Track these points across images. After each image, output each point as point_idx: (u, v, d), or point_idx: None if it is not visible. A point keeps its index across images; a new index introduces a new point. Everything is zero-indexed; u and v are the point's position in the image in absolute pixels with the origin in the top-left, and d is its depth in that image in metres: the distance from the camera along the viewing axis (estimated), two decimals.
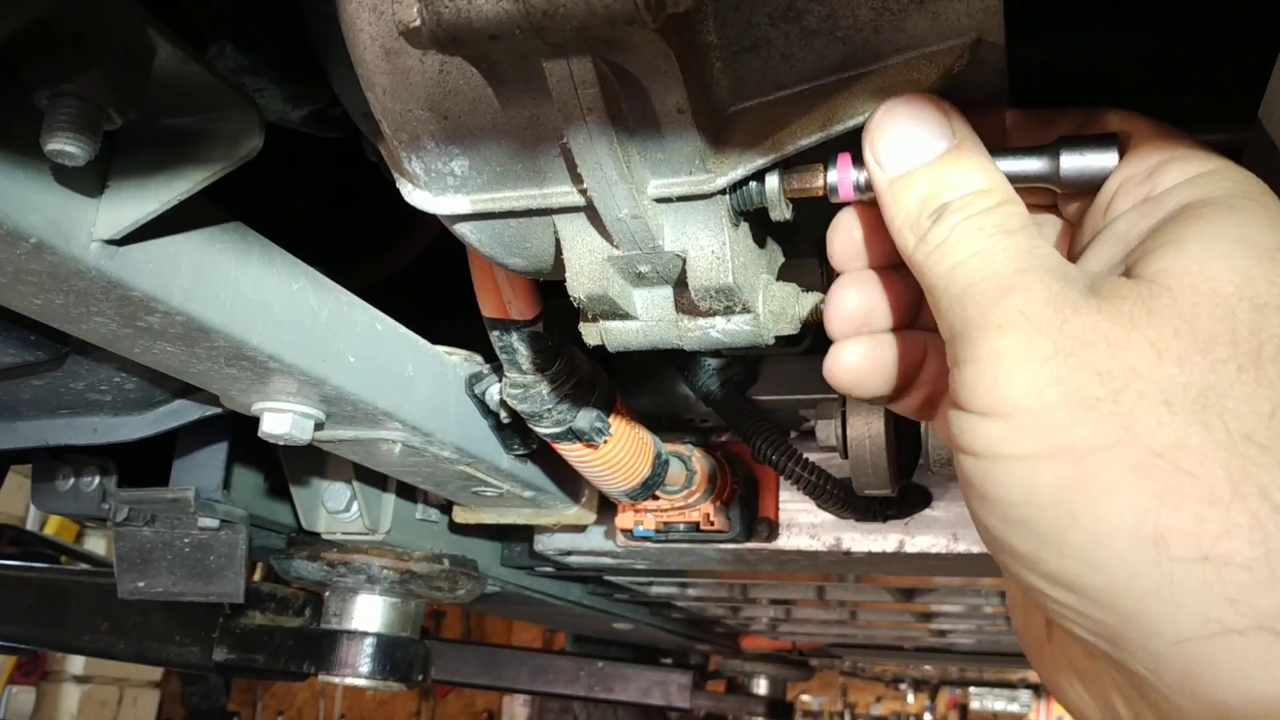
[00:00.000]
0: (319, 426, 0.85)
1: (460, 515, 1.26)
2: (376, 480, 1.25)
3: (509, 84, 0.49)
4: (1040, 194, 0.53)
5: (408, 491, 1.30)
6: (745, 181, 0.53)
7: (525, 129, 0.51)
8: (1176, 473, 0.37)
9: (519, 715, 7.77)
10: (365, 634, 1.34)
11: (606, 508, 1.25)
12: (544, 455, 1.06)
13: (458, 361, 0.95)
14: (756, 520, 1.23)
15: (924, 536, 1.20)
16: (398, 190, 0.58)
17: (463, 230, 0.58)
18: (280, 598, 1.38)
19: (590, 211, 0.54)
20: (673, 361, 1.07)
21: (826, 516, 1.22)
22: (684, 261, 0.55)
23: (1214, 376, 0.37)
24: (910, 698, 8.24)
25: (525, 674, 2.66)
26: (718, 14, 0.49)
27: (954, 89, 0.51)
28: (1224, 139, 0.63)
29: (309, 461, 1.22)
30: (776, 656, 3.34)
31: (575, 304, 0.58)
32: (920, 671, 5.93)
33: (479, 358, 0.96)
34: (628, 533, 1.20)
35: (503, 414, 0.94)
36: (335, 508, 1.25)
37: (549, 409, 0.87)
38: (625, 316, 0.60)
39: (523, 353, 0.84)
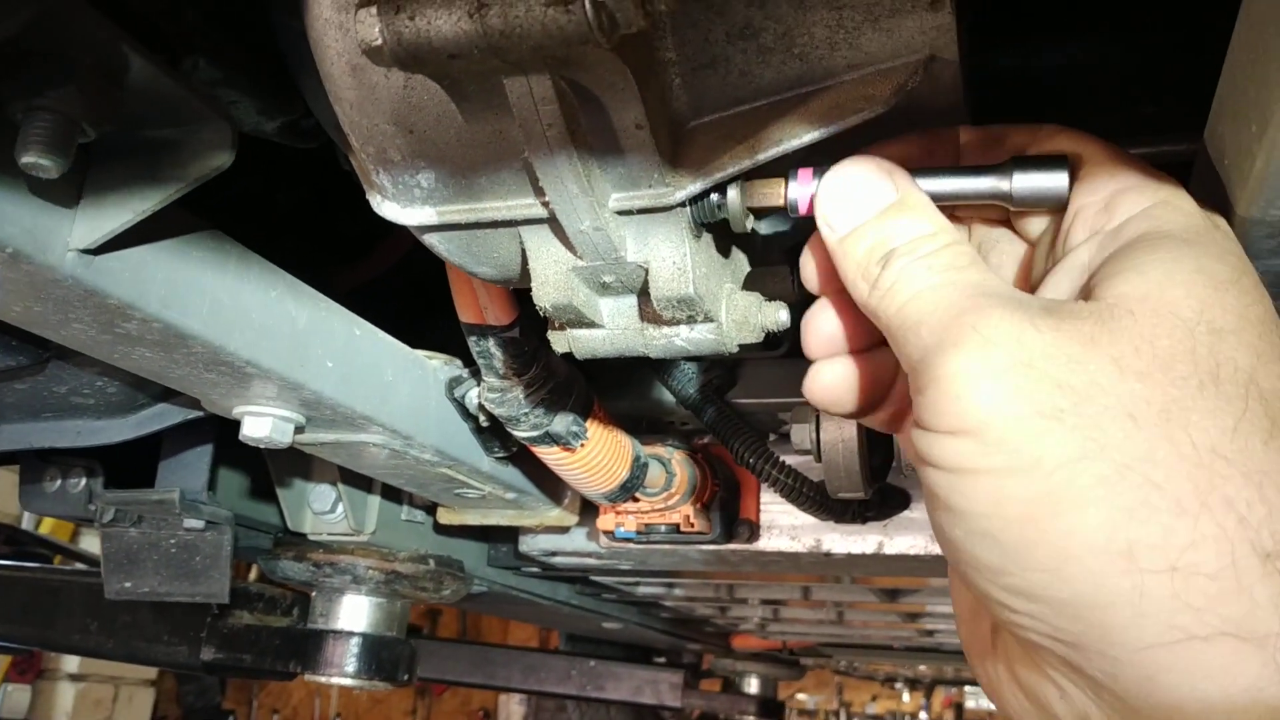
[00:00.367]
0: (299, 430, 0.86)
1: (444, 516, 1.27)
2: (362, 482, 1.26)
3: (471, 100, 0.50)
4: (995, 208, 0.54)
5: (393, 493, 1.31)
6: (706, 194, 0.54)
7: (489, 143, 0.52)
8: (1145, 485, 0.37)
9: (515, 714, 7.77)
10: (351, 634, 1.35)
11: (589, 510, 1.26)
12: (525, 458, 1.08)
13: (437, 366, 0.96)
14: (737, 522, 1.25)
15: (902, 538, 1.22)
16: None
17: (431, 240, 0.59)
18: (268, 598, 1.40)
19: (554, 223, 0.55)
20: (651, 366, 1.08)
21: (807, 518, 1.24)
22: (646, 272, 0.56)
23: (1176, 392, 0.38)
24: (906, 696, 8.26)
25: (518, 673, 2.67)
26: (676, 31, 0.50)
27: (910, 105, 0.52)
28: (1180, 149, 0.64)
29: (294, 463, 1.23)
30: (767, 656, 3.35)
31: (542, 313, 0.59)
32: (915, 670, 5.94)
33: (458, 362, 0.97)
34: (609, 534, 1.21)
35: (482, 418, 0.96)
36: (321, 509, 1.26)
37: (526, 413, 0.88)
38: (592, 325, 0.61)
39: (499, 358, 0.85)
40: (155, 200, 0.57)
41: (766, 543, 1.26)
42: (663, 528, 1.18)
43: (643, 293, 0.59)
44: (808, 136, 0.52)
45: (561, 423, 0.90)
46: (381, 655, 1.36)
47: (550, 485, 1.19)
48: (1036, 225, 0.52)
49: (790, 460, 1.09)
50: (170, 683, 5.61)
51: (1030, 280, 0.52)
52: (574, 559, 1.50)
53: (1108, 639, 0.38)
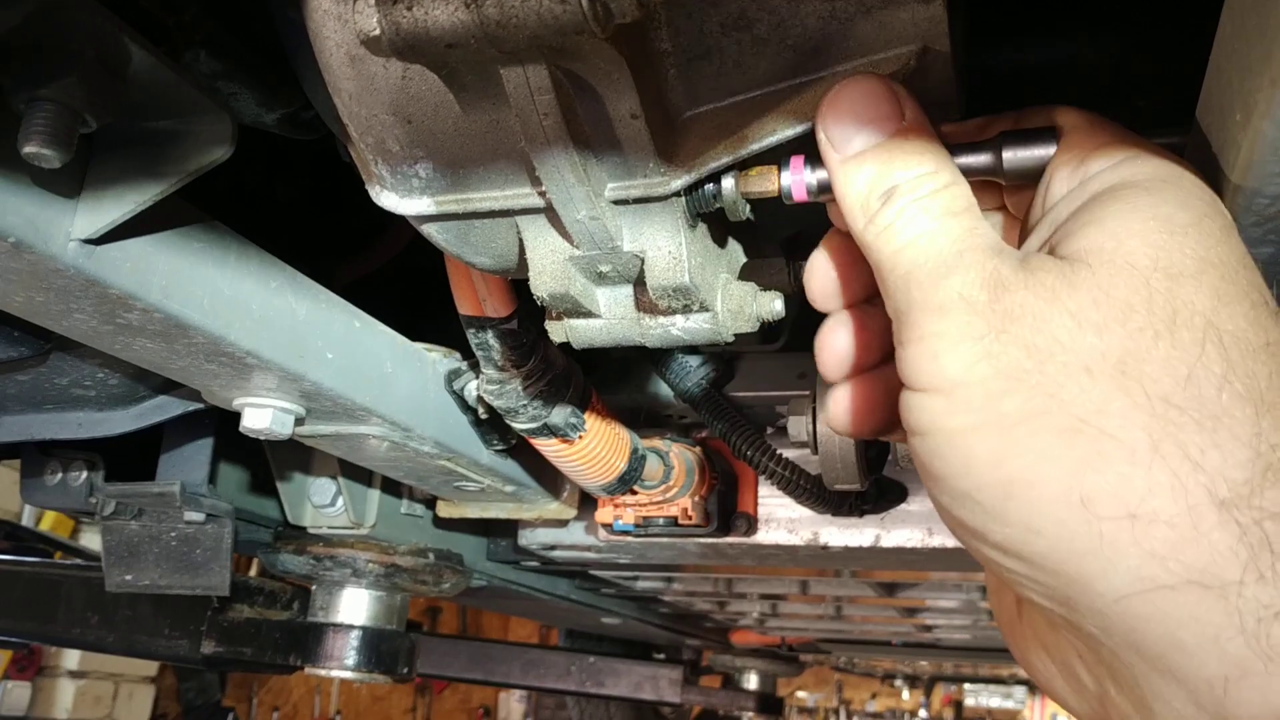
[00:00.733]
0: (299, 422, 0.86)
1: (444, 510, 1.28)
2: (361, 475, 1.27)
3: (469, 90, 0.50)
4: (988, 195, 0.55)
5: (393, 486, 1.32)
6: (701, 184, 0.55)
7: (486, 133, 0.53)
8: (1100, 436, 0.38)
9: (515, 711, 7.79)
10: (351, 627, 1.36)
11: (588, 503, 1.27)
12: (524, 450, 1.08)
13: (437, 358, 0.97)
14: (735, 515, 1.25)
15: (899, 531, 1.22)
16: None
17: (429, 230, 0.59)
18: (268, 591, 1.40)
19: (550, 213, 0.56)
20: (649, 359, 1.09)
21: (804, 511, 1.24)
22: (642, 261, 0.57)
23: (1131, 344, 0.39)
24: (905, 694, 8.27)
25: (517, 669, 2.67)
26: (670, 22, 0.51)
27: None
28: (1171, 141, 0.65)
29: (294, 456, 1.24)
30: (766, 652, 3.36)
31: (539, 302, 0.60)
32: (915, 668, 5.95)
33: (458, 354, 0.98)
34: (607, 526, 1.21)
35: (481, 410, 0.96)
36: (321, 502, 1.27)
37: (524, 405, 0.89)
38: (589, 314, 0.61)
39: (498, 350, 0.86)
40: (156, 191, 0.58)
41: (764, 536, 1.26)
42: (661, 520, 1.19)
43: (639, 282, 0.59)
44: (801, 127, 0.52)
45: (560, 415, 0.91)
46: (381, 648, 1.37)
47: (549, 478, 1.20)
48: (1024, 203, 0.53)
49: (787, 453, 1.10)
50: (170, 680, 5.62)
51: (1018, 241, 0.53)
52: (573, 552, 1.51)
53: (1089, 590, 0.39)
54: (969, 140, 0.54)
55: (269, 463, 1.25)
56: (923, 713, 8.18)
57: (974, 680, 7.65)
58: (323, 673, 1.36)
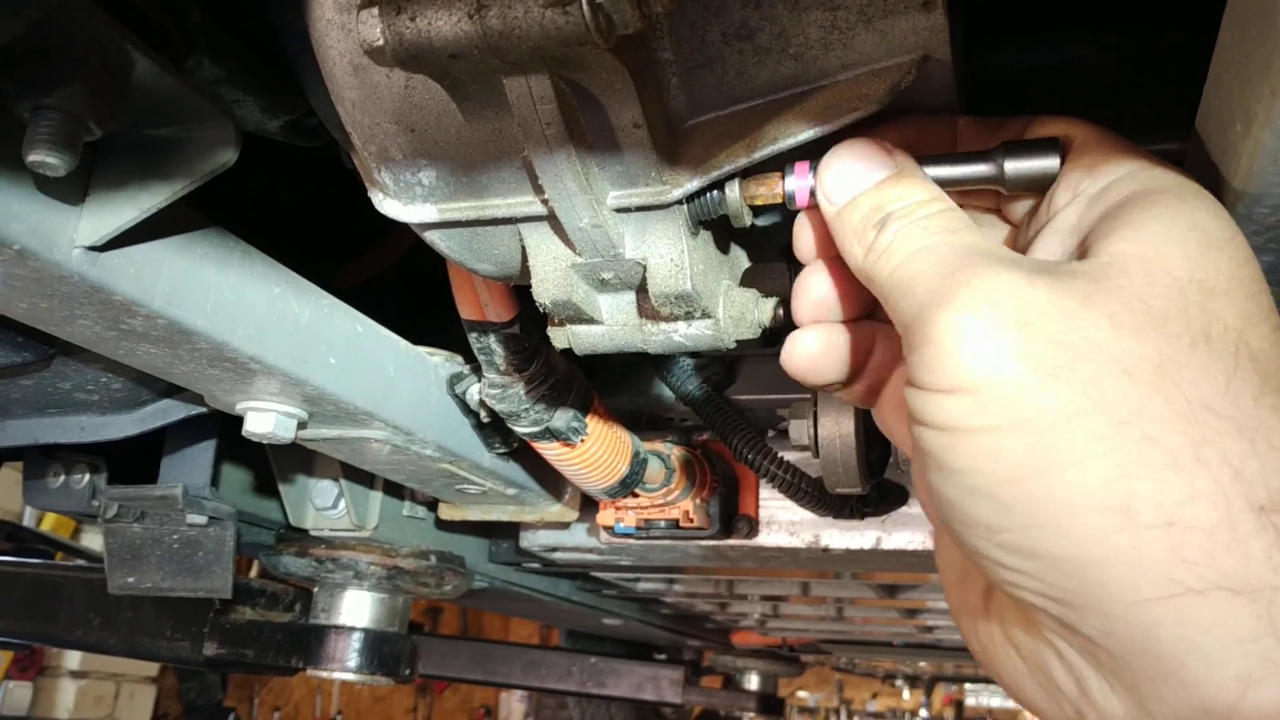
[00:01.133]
0: (302, 426, 0.87)
1: (445, 512, 1.28)
2: (364, 478, 1.27)
3: (472, 99, 0.51)
4: (985, 196, 0.55)
5: (395, 489, 1.32)
6: (704, 192, 0.55)
7: (489, 142, 0.53)
8: (1141, 440, 0.37)
9: (516, 712, 7.79)
10: (353, 629, 1.36)
11: (589, 505, 1.27)
12: (525, 454, 1.08)
13: (439, 362, 0.97)
14: (736, 517, 1.25)
15: (901, 533, 1.23)
16: None
17: (432, 237, 0.60)
18: (270, 593, 1.40)
19: (553, 220, 0.56)
20: (650, 362, 1.09)
21: (806, 514, 1.24)
22: (644, 269, 0.57)
23: (1170, 349, 0.39)
24: (906, 694, 8.27)
25: (519, 669, 2.67)
26: (672, 32, 0.51)
27: (904, 104, 0.53)
28: (1173, 148, 0.65)
29: (297, 459, 1.24)
30: (768, 652, 3.36)
31: (541, 309, 0.60)
32: (915, 667, 5.95)
33: (459, 358, 0.98)
34: (609, 529, 1.22)
35: (483, 413, 0.96)
36: (323, 505, 1.27)
37: (526, 409, 0.89)
38: (591, 321, 0.62)
39: (500, 354, 0.86)
40: (160, 198, 0.58)
41: (765, 538, 1.26)
42: (662, 523, 1.19)
43: (641, 289, 0.60)
44: (803, 135, 0.53)
45: (562, 418, 0.91)
46: (383, 650, 1.37)
47: (551, 481, 1.20)
48: (1022, 209, 0.53)
49: (788, 456, 1.10)
50: (172, 680, 5.62)
51: (1018, 248, 0.53)
52: (574, 555, 1.51)
53: (1103, 595, 0.38)
54: (975, 144, 0.54)
55: (271, 465, 1.25)
56: (923, 712, 8.19)
57: (974, 680, 7.65)
58: (324, 674, 1.36)
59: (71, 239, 0.58)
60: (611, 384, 1.16)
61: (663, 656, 3.54)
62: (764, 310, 0.62)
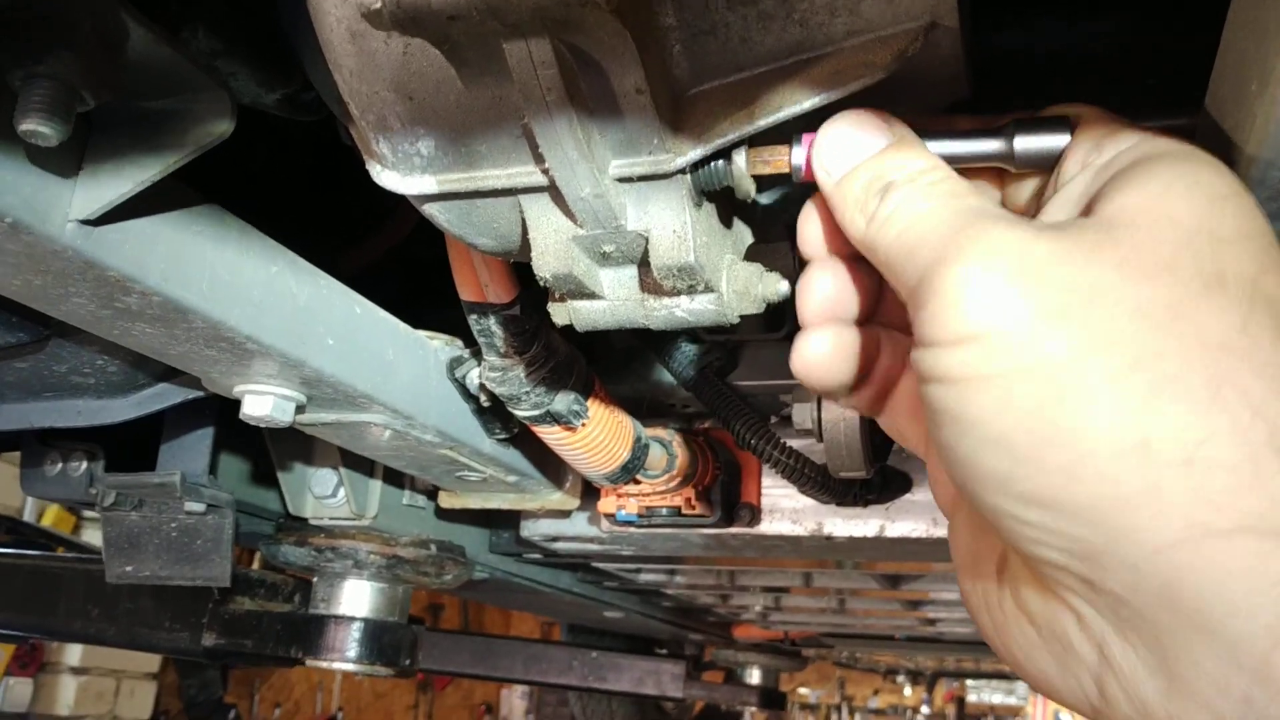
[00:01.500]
0: (300, 409, 0.86)
1: (445, 500, 1.27)
2: (363, 466, 1.26)
3: (471, 65, 0.50)
4: (988, 176, 0.54)
5: (394, 477, 1.31)
6: (708, 161, 0.54)
7: (488, 109, 0.52)
8: (1157, 378, 0.37)
9: (516, 708, 7.80)
10: (353, 619, 1.35)
11: (591, 494, 1.26)
12: (526, 440, 1.08)
13: (439, 345, 0.96)
14: (739, 505, 1.25)
15: (904, 521, 1.22)
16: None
17: (431, 210, 0.59)
18: (269, 583, 1.40)
19: (554, 191, 0.55)
20: (652, 347, 1.08)
21: (808, 501, 1.24)
22: (646, 241, 0.56)
23: (1182, 291, 0.38)
24: (907, 690, 8.28)
25: (519, 664, 2.67)
26: None
27: (910, 72, 0.52)
28: (1182, 123, 0.64)
29: (295, 447, 1.23)
30: (769, 646, 3.36)
31: (542, 283, 0.59)
32: (917, 664, 5.95)
33: (459, 342, 0.97)
34: (610, 517, 1.21)
35: (483, 398, 0.96)
36: (322, 493, 1.26)
37: (526, 392, 0.88)
38: (592, 296, 0.61)
39: (500, 336, 0.85)
40: (155, 170, 0.57)
41: (768, 526, 1.26)
42: (664, 511, 1.19)
43: (643, 263, 0.59)
44: (808, 103, 0.52)
45: (563, 402, 0.90)
46: (383, 640, 1.36)
47: (552, 468, 1.19)
48: (1026, 190, 0.52)
49: (792, 443, 1.09)
50: (172, 676, 5.62)
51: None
52: (575, 544, 1.50)
53: (1125, 542, 0.37)
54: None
55: (270, 453, 1.24)
56: (925, 709, 8.19)
57: (976, 676, 7.65)
58: (324, 665, 1.35)
59: (65, 212, 0.57)
60: (613, 370, 1.15)
61: (664, 651, 3.54)
62: (769, 285, 0.61)
